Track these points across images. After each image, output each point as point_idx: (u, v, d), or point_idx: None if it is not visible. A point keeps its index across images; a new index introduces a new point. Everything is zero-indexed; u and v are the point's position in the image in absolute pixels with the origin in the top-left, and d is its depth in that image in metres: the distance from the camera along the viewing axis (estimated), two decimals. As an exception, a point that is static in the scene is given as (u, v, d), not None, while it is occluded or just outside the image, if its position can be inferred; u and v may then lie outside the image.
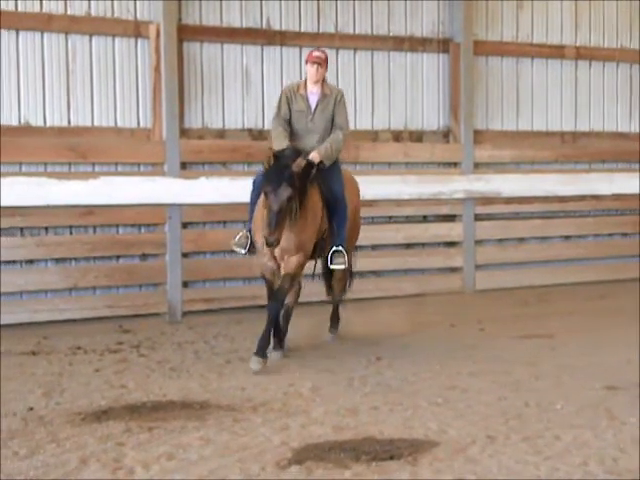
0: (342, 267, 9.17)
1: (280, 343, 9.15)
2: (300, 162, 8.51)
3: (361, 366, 8.78)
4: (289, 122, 9.04)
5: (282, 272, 8.81)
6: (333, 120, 9.06)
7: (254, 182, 9.13)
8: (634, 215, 14.28)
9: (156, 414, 7.16)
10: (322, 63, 9.00)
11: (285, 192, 8.33)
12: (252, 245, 8.98)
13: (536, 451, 6.33)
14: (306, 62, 9.11)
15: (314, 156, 8.76)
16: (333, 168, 9.10)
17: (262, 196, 8.67)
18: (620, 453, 6.26)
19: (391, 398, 7.63)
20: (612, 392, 7.81)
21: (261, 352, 8.51)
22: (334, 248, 9.05)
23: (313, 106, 9.02)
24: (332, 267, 9.15)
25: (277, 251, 8.70)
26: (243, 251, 9.04)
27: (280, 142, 8.85)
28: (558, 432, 6.73)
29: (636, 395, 7.67)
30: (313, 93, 9.05)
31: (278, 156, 8.49)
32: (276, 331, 9.04)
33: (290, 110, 9.03)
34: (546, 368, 8.69)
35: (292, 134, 9.02)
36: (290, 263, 8.77)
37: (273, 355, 8.88)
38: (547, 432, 6.73)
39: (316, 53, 9.07)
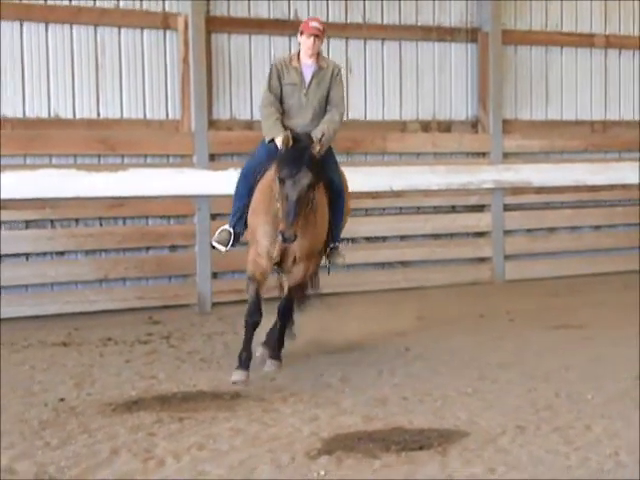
0: (343, 265, 8.57)
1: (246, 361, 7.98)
2: (320, 144, 7.61)
3: (390, 357, 8.78)
4: (280, 98, 8.11)
5: (288, 281, 8.18)
6: (328, 96, 8.15)
7: (245, 171, 8.36)
8: (664, 204, 14.17)
9: (186, 405, 7.20)
10: (320, 35, 8.04)
11: (305, 178, 7.42)
12: (235, 241, 8.29)
13: (567, 441, 6.32)
14: (301, 33, 8.10)
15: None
16: (329, 156, 8.20)
17: (261, 185, 7.97)
18: (651, 443, 6.24)
19: (420, 388, 7.63)
20: (643, 382, 7.78)
21: (276, 356, 8.28)
22: (331, 245, 8.38)
23: (308, 79, 8.09)
24: (332, 267, 8.49)
25: (289, 258, 7.93)
26: (224, 249, 8.29)
27: (271, 123, 7.97)
28: (589, 422, 6.71)
29: (667, 385, 7.64)
30: (308, 65, 8.11)
31: (296, 138, 7.59)
32: (247, 346, 8.04)
33: (281, 84, 8.09)
34: (576, 359, 8.66)
35: (283, 110, 8.11)
36: (298, 273, 8.07)
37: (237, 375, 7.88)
38: (578, 422, 6.72)
39: (313, 24, 8.09)
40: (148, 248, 11.18)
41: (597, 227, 13.94)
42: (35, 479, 5.66)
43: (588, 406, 7.14)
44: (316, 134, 7.86)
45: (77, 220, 10.82)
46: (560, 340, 9.50)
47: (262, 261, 7.93)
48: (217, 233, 8.33)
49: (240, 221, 8.25)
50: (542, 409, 7.07)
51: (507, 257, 13.12)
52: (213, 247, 8.55)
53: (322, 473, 5.77)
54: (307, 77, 8.11)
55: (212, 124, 11.38)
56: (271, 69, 8.19)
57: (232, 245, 8.26)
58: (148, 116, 11.14)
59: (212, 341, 9.57)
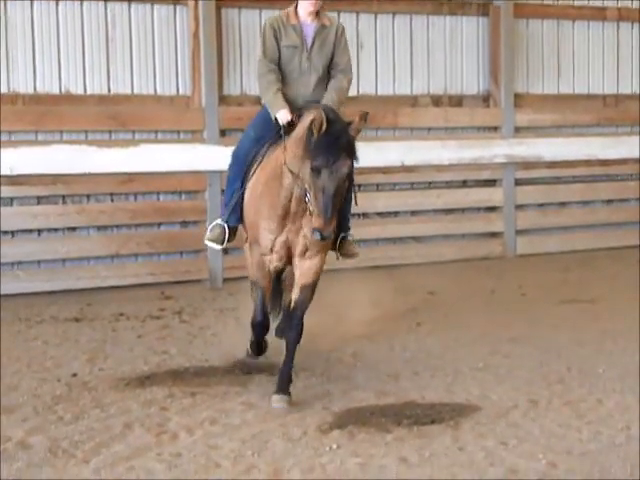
0: (356, 257, 7.26)
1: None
2: (359, 125, 6.40)
3: (402, 332, 8.79)
4: (278, 63, 7.13)
5: (298, 280, 6.89)
6: (332, 60, 7.16)
7: (236, 154, 7.38)
8: (677, 178, 14.11)
9: (199, 379, 7.24)
10: None
11: (344, 167, 6.29)
12: (230, 237, 7.31)
13: (578, 415, 6.35)
14: None
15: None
16: None
17: (263, 171, 6.95)
18: (663, 417, 6.26)
19: (432, 363, 7.66)
20: (655, 356, 7.79)
21: (285, 389, 6.73)
22: (342, 234, 7.17)
23: (309, 39, 7.07)
24: (344, 258, 7.19)
25: (298, 248, 6.82)
26: (219, 247, 7.40)
27: (271, 97, 7.02)
28: (600, 396, 6.73)
29: (679, 359, 7.65)
30: (307, 24, 7.07)
31: (330, 119, 6.32)
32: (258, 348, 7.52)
33: (278, 46, 7.08)
34: (588, 333, 8.66)
35: (282, 77, 7.13)
36: (311, 269, 6.84)
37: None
38: (589, 397, 6.74)
39: None
40: (159, 224, 11.18)
41: (609, 202, 13.89)
42: (49, 453, 5.71)
43: (600, 380, 7.15)
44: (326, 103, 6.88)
45: (88, 196, 10.82)
46: (572, 315, 9.50)
47: (267, 262, 6.97)
48: (209, 230, 7.40)
49: (234, 213, 7.29)
50: (554, 383, 7.09)
51: (519, 232, 13.09)
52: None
53: (334, 447, 5.80)
54: (308, 37, 7.08)
55: (223, 99, 11.35)
56: (265, 29, 7.12)
57: (228, 241, 7.33)
58: (159, 92, 11.12)
59: (224, 316, 9.59)
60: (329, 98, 7.02)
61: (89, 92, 10.76)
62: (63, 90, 10.65)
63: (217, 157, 11.02)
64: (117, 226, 10.93)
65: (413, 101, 12.53)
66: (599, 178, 13.69)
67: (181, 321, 9.37)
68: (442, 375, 7.35)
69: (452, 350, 8.13)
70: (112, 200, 10.93)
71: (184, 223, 11.28)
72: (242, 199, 7.23)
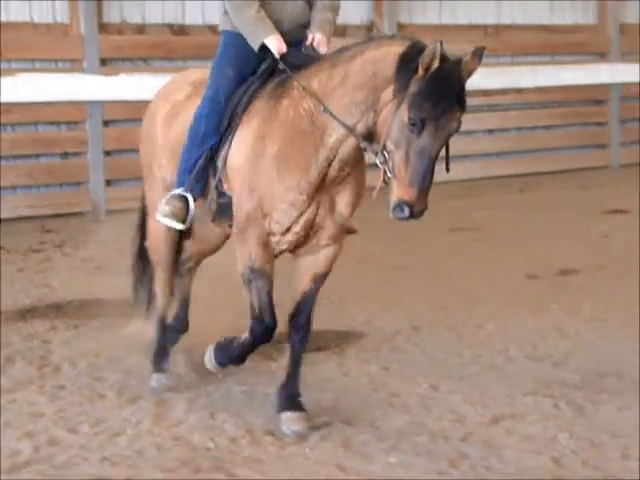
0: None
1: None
2: (473, 64, 4.81)
3: (283, 260, 8.78)
4: None
5: (313, 267, 5.64)
6: None
7: (212, 96, 5.27)
8: (557, 108, 14.36)
9: (82, 312, 7.17)
10: None
11: (454, 121, 4.83)
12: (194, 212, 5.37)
13: (459, 339, 6.48)
14: None
15: (320, 41, 5.20)
16: None
17: (283, 121, 5.04)
18: (539, 339, 6.47)
19: (317, 292, 7.68)
20: (534, 281, 8.01)
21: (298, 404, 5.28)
22: None
23: None
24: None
25: (329, 230, 5.46)
26: (180, 226, 5.38)
27: (252, 17, 5.12)
28: (481, 321, 6.89)
29: (557, 284, 7.86)
30: None
31: (444, 55, 4.64)
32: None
33: None
34: (471, 260, 8.82)
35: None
36: (332, 256, 5.60)
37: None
38: (470, 321, 6.89)
39: None
40: (38, 155, 10.94)
41: (491, 131, 14.09)
42: None
43: (481, 306, 7.31)
44: (323, 28, 5.24)
45: (-36, 127, 10.54)
46: (457, 242, 9.66)
47: (278, 244, 5.49)
48: (163, 203, 5.35)
49: (201, 180, 5.36)
50: (437, 309, 7.22)
51: (403, 162, 13.16)
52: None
53: (219, 376, 5.81)
54: None
55: (102, 28, 11.07)
56: None
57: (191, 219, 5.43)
58: (35, 19, 10.80)
59: (107, 248, 9.43)
60: (324, 23, 5.28)
61: (-39, 19, 10.41)
62: None
63: (97, 87, 10.85)
64: (-6, 158, 10.67)
65: (296, 30, 12.42)
66: (481, 108, 13.83)
67: (63, 254, 9.23)
68: (327, 303, 7.36)
69: (337, 278, 8.11)
70: (-11, 131, 10.65)
71: (64, 154, 11.06)
72: (214, 159, 5.32)
